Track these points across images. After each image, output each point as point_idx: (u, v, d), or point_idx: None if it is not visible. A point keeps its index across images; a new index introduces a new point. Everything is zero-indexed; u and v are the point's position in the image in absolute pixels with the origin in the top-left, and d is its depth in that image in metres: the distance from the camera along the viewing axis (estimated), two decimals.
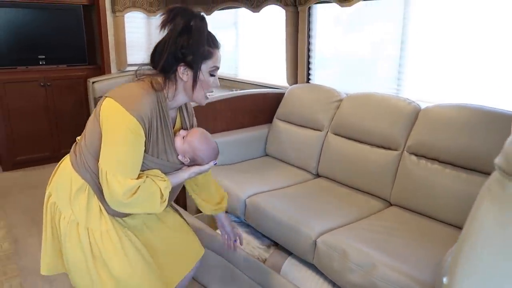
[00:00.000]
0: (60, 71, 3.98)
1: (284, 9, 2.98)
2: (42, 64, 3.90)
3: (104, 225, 1.30)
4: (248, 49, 3.67)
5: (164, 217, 1.52)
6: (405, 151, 2.00)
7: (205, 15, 1.29)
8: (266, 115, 2.86)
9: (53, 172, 1.42)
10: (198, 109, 2.53)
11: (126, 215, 1.36)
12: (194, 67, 1.25)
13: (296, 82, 3.02)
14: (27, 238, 2.66)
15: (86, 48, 4.11)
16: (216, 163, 1.42)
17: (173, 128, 1.39)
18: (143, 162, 1.26)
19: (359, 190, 2.16)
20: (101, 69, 4.16)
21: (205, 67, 1.27)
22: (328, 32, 2.90)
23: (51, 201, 1.37)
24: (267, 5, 3.14)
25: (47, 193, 1.40)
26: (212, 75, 1.30)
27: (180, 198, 2.59)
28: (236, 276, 1.90)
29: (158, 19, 4.18)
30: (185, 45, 1.23)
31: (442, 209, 1.80)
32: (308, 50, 2.96)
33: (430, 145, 1.90)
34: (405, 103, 2.08)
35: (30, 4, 3.78)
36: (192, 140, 1.36)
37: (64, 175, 1.34)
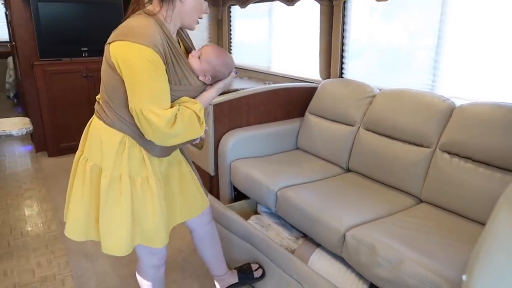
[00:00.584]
0: (100, 63, 4.13)
1: (319, 3, 2.98)
2: (84, 56, 4.10)
3: (144, 172, 1.38)
4: (281, 42, 3.70)
5: (181, 163, 1.59)
6: (437, 149, 2.00)
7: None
8: (298, 109, 2.90)
9: (83, 138, 1.45)
10: (231, 103, 2.62)
11: (169, 153, 1.44)
12: None
13: (329, 76, 3.03)
14: None
15: None
16: (237, 73, 1.46)
17: None
18: (177, 93, 1.31)
19: (390, 186, 2.17)
20: None
21: None
22: (363, 25, 2.89)
23: (90, 164, 1.39)
24: None
25: (81, 159, 1.43)
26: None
27: (214, 189, 2.70)
28: (264, 265, 1.98)
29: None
30: None
31: (474, 208, 1.80)
32: (342, 44, 2.96)
33: (463, 143, 1.88)
34: (439, 100, 2.07)
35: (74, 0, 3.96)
36: (208, 57, 1.36)
37: (100, 138, 1.36)
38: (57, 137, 4.11)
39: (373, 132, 2.32)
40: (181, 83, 1.32)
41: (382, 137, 2.27)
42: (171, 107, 1.28)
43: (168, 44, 1.28)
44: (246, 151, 2.58)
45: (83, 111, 4.14)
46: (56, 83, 3.97)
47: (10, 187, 3.45)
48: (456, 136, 1.92)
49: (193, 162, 1.78)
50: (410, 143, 2.13)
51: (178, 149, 1.58)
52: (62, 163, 3.98)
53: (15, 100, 6.55)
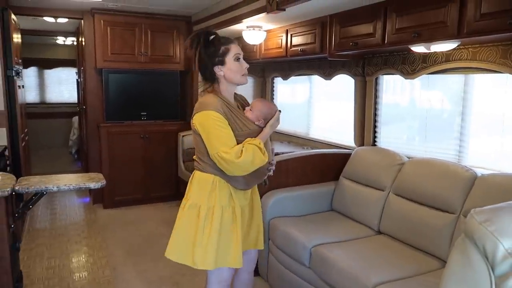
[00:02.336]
0: (157, 126, 4.67)
1: (354, 78, 3.33)
2: (143, 120, 4.64)
3: (232, 203, 1.85)
4: (320, 110, 4.04)
5: (253, 200, 2.02)
6: (461, 215, 2.15)
7: (214, 32, 1.90)
8: (333, 173, 3.14)
9: (188, 187, 1.96)
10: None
11: (251, 186, 1.92)
12: (223, 61, 1.83)
13: (363, 144, 3.29)
14: (123, 266, 3.14)
15: (179, 107, 4.80)
16: (280, 110, 1.94)
17: None
18: (236, 139, 1.77)
19: (418, 249, 2.31)
20: (190, 124, 4.79)
21: (229, 58, 1.84)
22: (394, 97, 3.17)
23: (189, 204, 1.87)
24: (338, 74, 3.52)
25: (186, 202, 1.90)
26: (237, 60, 1.85)
27: None
28: None
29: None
30: (211, 52, 1.83)
31: None
32: (375, 115, 3.24)
33: None
34: (462, 170, 2.25)
35: (138, 71, 4.59)
36: (257, 107, 1.90)
37: (198, 182, 1.88)
38: (113, 191, 4.53)
39: (402, 197, 2.51)
40: (242, 130, 1.82)
41: (410, 202, 2.44)
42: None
43: (227, 106, 1.83)
44: (284, 210, 2.82)
45: (138, 168, 4.59)
46: (117, 143, 4.48)
47: (70, 234, 3.83)
48: (478, 204, 2.06)
49: None
50: (436, 208, 2.29)
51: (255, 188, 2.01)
52: (115, 214, 4.36)
53: (76, 156, 7.22)
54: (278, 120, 1.91)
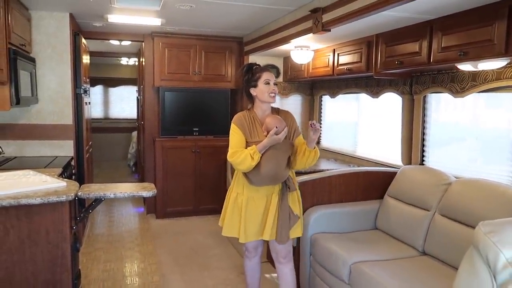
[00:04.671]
0: (207, 141, 4.89)
1: (401, 97, 3.31)
2: (195, 135, 4.87)
3: (245, 192, 2.40)
4: (367, 128, 4.03)
5: (272, 200, 2.39)
6: None
7: (256, 64, 2.49)
8: (378, 191, 3.11)
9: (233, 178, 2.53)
10: (315, 182, 2.95)
11: (261, 185, 2.34)
12: (256, 85, 2.39)
13: (410, 163, 3.23)
14: (171, 274, 3.30)
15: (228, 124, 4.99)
16: (276, 127, 2.26)
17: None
18: (249, 145, 2.31)
19: None
20: None
21: (261, 82, 2.37)
22: (443, 116, 3.11)
23: (236, 192, 2.45)
24: (385, 92, 3.52)
25: (232, 192, 2.48)
26: (267, 83, 2.36)
27: (295, 259, 2.95)
28: None
29: (289, 100, 4.88)
30: (249, 78, 2.41)
31: None
32: (423, 133, 3.18)
33: None
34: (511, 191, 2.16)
35: (191, 89, 4.85)
36: (266, 121, 2.34)
37: (237, 176, 2.48)
38: (165, 202, 4.78)
39: (448, 218, 2.44)
40: (253, 138, 2.36)
41: (456, 223, 2.37)
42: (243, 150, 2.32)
43: (250, 119, 2.40)
44: (327, 227, 2.84)
45: (189, 181, 4.81)
46: (170, 156, 4.74)
47: (124, 241, 4.09)
48: None
49: None
50: None
51: (276, 192, 2.39)
52: (166, 225, 4.59)
53: (133, 169, 7.68)
54: (279, 134, 2.25)
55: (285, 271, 2.50)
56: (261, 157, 2.26)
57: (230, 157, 2.30)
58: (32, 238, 2.11)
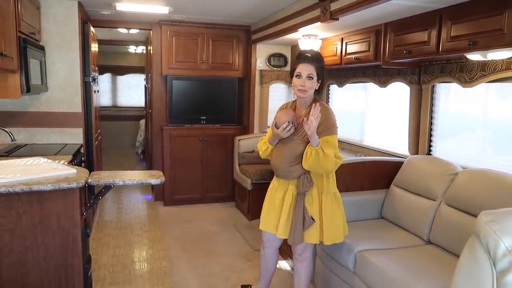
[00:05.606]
0: (215, 129, 4.92)
1: (409, 86, 3.30)
2: (202, 123, 4.90)
3: (273, 181, 2.48)
4: (374, 117, 4.02)
5: (287, 194, 2.39)
6: None
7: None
8: (384, 181, 3.12)
9: None
10: None
11: (279, 175, 2.41)
12: (292, 76, 2.34)
13: (417, 152, 3.23)
14: (178, 260, 3.36)
15: (237, 112, 5.01)
16: (275, 123, 2.33)
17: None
18: None
19: None
20: (246, 129, 4.98)
21: (294, 74, 2.30)
22: (451, 105, 3.09)
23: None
24: (393, 82, 3.50)
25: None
26: (297, 77, 2.27)
27: None
28: None
29: None
30: (292, 67, 2.40)
31: None
32: (431, 123, 3.17)
33: None
34: None
35: (199, 77, 4.86)
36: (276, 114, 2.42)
37: None
38: (173, 189, 4.84)
39: (454, 207, 2.45)
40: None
41: (462, 213, 2.38)
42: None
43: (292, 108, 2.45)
44: None
45: (196, 170, 4.86)
46: (178, 145, 4.79)
47: (133, 227, 4.16)
48: None
49: None
50: None
51: (291, 188, 2.36)
52: (174, 212, 4.65)
53: (142, 156, 7.75)
54: (281, 129, 2.26)
55: (298, 267, 2.50)
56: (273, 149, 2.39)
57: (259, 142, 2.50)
58: (43, 223, 2.16)
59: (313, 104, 2.26)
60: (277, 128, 2.30)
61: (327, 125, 2.26)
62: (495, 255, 0.68)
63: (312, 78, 2.25)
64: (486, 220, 0.72)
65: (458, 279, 0.75)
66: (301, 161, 2.26)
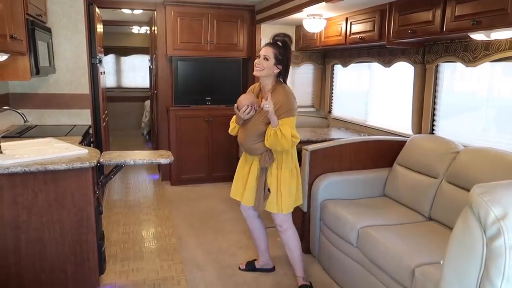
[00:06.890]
0: (220, 110, 4.96)
1: (413, 66, 3.32)
2: (208, 104, 4.95)
3: (243, 154, 2.69)
4: (378, 97, 4.05)
5: (251, 167, 2.60)
6: None
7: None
8: (387, 159, 3.18)
9: None
10: (325, 151, 3.04)
11: (244, 150, 2.62)
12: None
13: (420, 132, 3.28)
14: (187, 237, 3.48)
15: (242, 93, 5.04)
16: (235, 105, 2.51)
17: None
18: None
19: None
20: None
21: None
22: (456, 85, 3.12)
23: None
24: (397, 61, 3.52)
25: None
26: (257, 57, 2.47)
27: (305, 224, 3.07)
28: None
29: (301, 69, 4.89)
30: None
31: None
32: (434, 103, 3.21)
33: None
34: None
35: (204, 58, 4.88)
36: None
37: None
38: (179, 169, 4.93)
39: (455, 185, 2.52)
40: None
41: (463, 191, 2.45)
42: None
43: (255, 92, 2.67)
44: (336, 193, 2.94)
45: (202, 150, 4.93)
46: (184, 125, 4.85)
47: (141, 206, 4.27)
48: None
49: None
50: None
51: (256, 162, 2.57)
52: (181, 191, 4.76)
53: (147, 137, 7.83)
54: (242, 111, 2.45)
55: (284, 237, 2.69)
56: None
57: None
58: (59, 201, 2.25)
59: (269, 93, 2.44)
60: (239, 111, 2.48)
61: (286, 108, 2.42)
62: (486, 223, 0.75)
63: (268, 60, 2.42)
64: (478, 192, 0.79)
65: (452, 245, 0.82)
66: (263, 140, 2.46)
